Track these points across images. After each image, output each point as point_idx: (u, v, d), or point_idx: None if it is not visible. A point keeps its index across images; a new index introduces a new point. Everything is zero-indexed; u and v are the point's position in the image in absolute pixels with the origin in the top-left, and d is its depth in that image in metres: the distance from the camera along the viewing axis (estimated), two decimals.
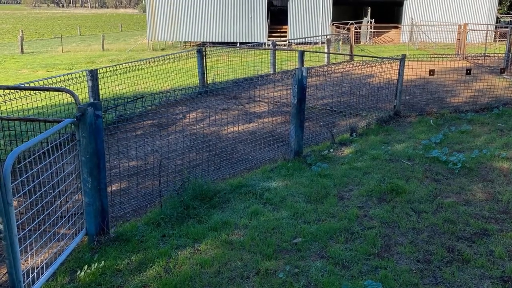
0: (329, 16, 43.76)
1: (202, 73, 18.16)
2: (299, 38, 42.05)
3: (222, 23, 44.56)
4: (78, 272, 5.88)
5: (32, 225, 5.86)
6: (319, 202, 7.92)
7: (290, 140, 10.31)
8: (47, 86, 11.16)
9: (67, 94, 9.37)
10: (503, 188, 8.40)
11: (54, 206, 6.42)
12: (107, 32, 70.25)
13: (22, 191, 5.65)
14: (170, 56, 17.35)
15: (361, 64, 14.25)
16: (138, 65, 15.70)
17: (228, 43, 41.19)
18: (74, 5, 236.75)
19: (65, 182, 6.40)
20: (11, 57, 40.69)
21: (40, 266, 5.62)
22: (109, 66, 14.65)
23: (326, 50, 27.54)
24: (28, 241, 5.52)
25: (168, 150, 10.85)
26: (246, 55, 23.90)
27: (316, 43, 43.16)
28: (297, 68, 9.97)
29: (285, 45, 41.95)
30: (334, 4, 44.15)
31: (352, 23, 37.46)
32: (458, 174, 9.08)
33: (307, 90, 10.29)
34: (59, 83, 12.15)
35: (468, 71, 14.36)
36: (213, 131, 12.65)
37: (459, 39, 31.23)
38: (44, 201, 6.36)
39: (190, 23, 44.88)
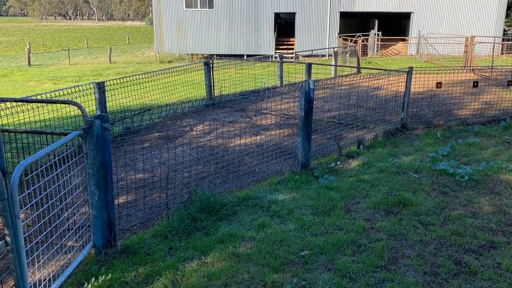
0: (336, 29, 43.83)
1: (209, 86, 18.20)
2: (306, 51, 42.13)
3: (229, 35, 44.69)
4: (85, 285, 5.89)
5: (39, 237, 5.88)
6: (326, 215, 7.92)
7: (297, 152, 10.32)
8: (54, 98, 11.18)
9: (74, 107, 9.41)
10: (510, 200, 8.37)
11: (61, 218, 6.44)
12: (114, 45, 70.48)
13: (29, 203, 5.66)
14: (177, 69, 17.39)
15: (368, 77, 14.26)
16: (145, 78, 15.72)
17: (235, 56, 41.26)
18: (81, 17, 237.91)
19: (72, 195, 6.42)
20: (18, 69, 40.83)
21: (47, 279, 5.63)
22: (116, 79, 14.67)
23: (333, 63, 27.53)
24: (35, 254, 5.53)
25: (175, 163, 10.87)
26: (253, 67, 23.92)
27: (323, 55, 43.21)
28: (304, 81, 9.98)
29: (292, 58, 42.00)
30: (341, 16, 44.24)
31: (359, 36, 37.49)
32: (465, 186, 9.07)
33: (314, 102, 10.30)
34: (66, 96, 12.18)
35: (475, 84, 14.35)
36: (220, 143, 12.66)
37: (466, 51, 31.23)
38: (51, 214, 6.37)
39: (197, 36, 45.02)
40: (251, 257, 6.52)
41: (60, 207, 6.25)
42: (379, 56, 42.36)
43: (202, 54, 46.18)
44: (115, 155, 8.95)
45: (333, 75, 25.30)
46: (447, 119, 14.53)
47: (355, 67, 27.89)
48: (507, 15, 46.44)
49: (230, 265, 6.33)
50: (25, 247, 4.96)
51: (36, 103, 10.83)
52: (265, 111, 16.31)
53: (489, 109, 15.25)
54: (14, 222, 4.67)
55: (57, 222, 6.26)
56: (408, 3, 43.32)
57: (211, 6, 44.41)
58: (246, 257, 6.54)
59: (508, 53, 33.27)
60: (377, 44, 43.49)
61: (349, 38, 37.14)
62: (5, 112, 9.91)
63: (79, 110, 9.20)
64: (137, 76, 15.43)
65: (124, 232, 7.75)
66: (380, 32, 43.86)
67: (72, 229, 6.57)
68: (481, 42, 31.31)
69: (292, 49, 44.70)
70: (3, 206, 4.54)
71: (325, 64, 25.88)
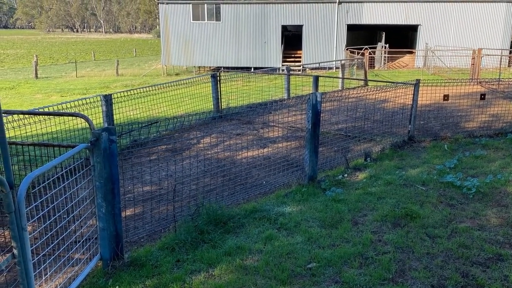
0: (343, 41, 43.90)
1: (217, 98, 18.24)
2: (313, 63, 42.20)
3: (236, 48, 44.81)
4: None
5: (46, 250, 5.89)
6: (334, 227, 7.92)
7: (305, 165, 10.33)
8: (61, 111, 11.21)
9: (82, 119, 9.43)
10: None
11: (69, 231, 6.44)
12: (121, 57, 70.66)
13: (37, 216, 5.68)
14: (184, 81, 17.42)
15: (375, 89, 14.26)
16: (153, 90, 15.75)
17: (242, 68, 41.34)
18: (88, 30, 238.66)
19: (79, 207, 6.43)
20: (25, 82, 40.98)
21: None
22: (123, 91, 14.70)
23: (340, 75, 27.55)
24: (42, 266, 5.54)
25: (183, 175, 10.89)
26: (261, 80, 23.97)
27: (330, 68, 43.24)
28: (312, 93, 10.01)
29: (299, 70, 42.05)
30: (348, 29, 44.31)
31: (366, 48, 37.51)
32: (473, 199, 9.05)
33: (321, 115, 10.32)
34: (74, 108, 12.22)
35: (483, 96, 14.35)
36: (228, 156, 12.67)
37: (474, 64, 31.19)
38: (59, 226, 6.39)
39: (204, 48, 45.16)
40: (258, 270, 6.52)
41: (67, 219, 6.26)
42: (386, 69, 42.37)
43: (209, 67, 46.30)
44: (122, 168, 8.99)
45: (340, 88, 25.32)
46: (454, 132, 14.52)
47: (362, 80, 27.89)
48: None
49: (237, 278, 6.34)
50: (32, 260, 4.97)
51: (43, 116, 10.86)
52: (272, 124, 16.34)
53: (496, 122, 15.23)
54: (21, 235, 4.69)
55: (64, 234, 6.28)
56: (415, 16, 43.37)
57: (218, 18, 44.56)
58: (253, 269, 6.55)
59: None
60: (384, 57, 43.50)
61: (356, 50, 37.16)
62: (12, 124, 9.93)
63: (86, 123, 9.22)
64: (144, 89, 15.47)
65: (131, 245, 7.76)
66: (387, 45, 43.89)
67: (79, 241, 6.58)
68: (488, 55, 31.30)
69: (299, 61, 44.78)
70: (10, 219, 4.56)
71: (332, 77, 25.92)
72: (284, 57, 45.49)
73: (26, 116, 10.20)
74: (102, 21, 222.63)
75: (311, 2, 43.73)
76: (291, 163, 11.51)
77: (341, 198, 9.18)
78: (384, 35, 45.07)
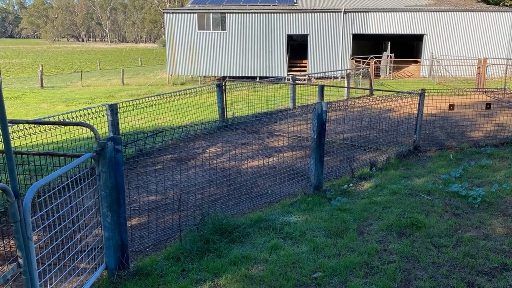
0: (348, 51, 43.97)
1: (222, 108, 18.26)
2: (319, 73, 42.25)
3: (241, 57, 44.91)
4: None
5: (51, 259, 5.90)
6: (339, 237, 7.91)
7: (310, 174, 10.33)
8: (66, 120, 11.26)
9: (87, 129, 9.45)
10: None
11: (74, 240, 6.45)
12: (126, 67, 70.87)
13: (42, 225, 5.69)
14: (190, 91, 17.45)
15: (380, 99, 14.27)
16: (158, 100, 15.78)
17: (247, 78, 41.43)
18: (93, 39, 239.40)
19: (84, 217, 6.45)
20: (31, 91, 41.10)
21: None
22: (128, 101, 14.71)
23: (346, 85, 27.59)
24: (48, 276, 5.55)
25: (188, 185, 10.90)
26: (266, 89, 24.00)
27: (336, 77, 43.31)
28: (317, 103, 10.02)
29: (305, 80, 42.10)
30: (353, 38, 44.40)
31: (371, 58, 37.58)
32: (478, 208, 9.03)
33: (327, 124, 10.33)
34: (79, 118, 12.25)
35: (488, 106, 14.35)
36: (233, 165, 12.68)
37: (479, 73, 31.20)
38: (64, 236, 6.40)
39: (209, 58, 45.29)
40: (264, 279, 6.52)
41: (72, 229, 6.27)
42: (391, 78, 42.39)
43: (215, 76, 46.42)
44: (127, 177, 9.00)
45: (345, 97, 25.35)
46: (459, 141, 14.51)
47: (367, 89, 27.93)
48: None
49: (242, 287, 6.34)
50: (38, 269, 4.98)
51: (49, 125, 10.89)
52: (277, 133, 16.35)
53: (501, 131, 15.21)
54: (26, 244, 4.70)
55: (69, 244, 6.28)
56: (421, 25, 43.43)
57: (223, 28, 44.68)
58: (259, 279, 6.54)
59: None
60: (390, 66, 43.54)
61: (361, 60, 37.21)
62: (18, 134, 9.97)
63: (91, 132, 9.24)
64: (150, 98, 15.50)
65: (137, 254, 7.76)
66: (393, 54, 43.95)
67: (84, 251, 6.59)
68: (494, 64, 31.27)
69: (305, 71, 44.84)
70: (15, 228, 4.58)
71: (337, 86, 25.97)
72: (289, 66, 45.58)
73: (32, 125, 10.24)
74: (107, 31, 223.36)
75: (316, 12, 43.84)
76: (297, 172, 11.51)
77: (346, 208, 9.18)
78: (389, 44, 45.14)
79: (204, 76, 47.21)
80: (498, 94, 23.48)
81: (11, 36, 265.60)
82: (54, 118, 11.78)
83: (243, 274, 6.68)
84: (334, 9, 43.89)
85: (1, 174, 9.38)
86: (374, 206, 9.24)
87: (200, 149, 14.64)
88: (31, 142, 10.51)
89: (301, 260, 7.05)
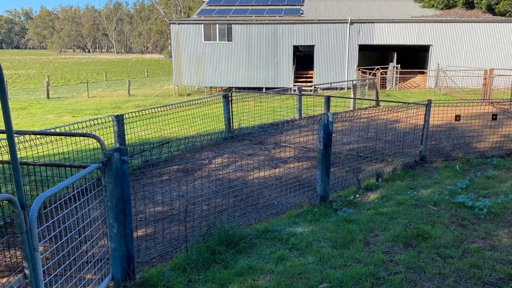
0: (355, 62, 44.01)
1: (228, 119, 18.29)
2: (325, 84, 42.30)
3: (248, 68, 44.98)
4: None
5: (58, 270, 5.90)
6: (345, 248, 7.91)
7: (316, 185, 10.33)
8: (73, 131, 11.29)
9: (93, 140, 9.48)
10: None
11: (80, 251, 6.46)
12: (133, 78, 71.06)
13: (48, 236, 5.70)
14: (196, 101, 17.49)
15: (387, 110, 14.27)
16: (164, 111, 15.81)
17: (254, 89, 41.49)
18: (100, 50, 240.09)
19: (91, 228, 6.46)
20: (37, 102, 41.23)
21: None
22: (135, 112, 14.76)
23: (352, 96, 27.61)
24: (54, 287, 5.56)
25: (194, 196, 10.91)
26: (272, 100, 24.04)
27: (342, 88, 43.34)
28: (323, 114, 10.03)
29: (311, 91, 42.13)
30: (360, 49, 44.45)
31: (378, 69, 37.60)
32: (484, 219, 9.02)
33: (333, 135, 10.33)
34: (85, 129, 12.29)
35: (494, 117, 14.34)
36: (239, 176, 12.69)
37: (485, 84, 31.18)
38: (70, 247, 6.41)
39: (215, 68, 45.38)
40: None
41: (78, 239, 6.28)
42: (397, 89, 42.38)
43: (221, 87, 46.49)
44: (134, 188, 9.02)
45: (352, 108, 25.35)
46: (466, 152, 14.49)
47: (373, 100, 27.92)
48: None
49: None
50: (44, 280, 4.99)
51: (55, 136, 10.92)
52: (284, 144, 16.36)
53: (508, 142, 15.19)
54: (32, 255, 4.71)
55: (75, 255, 6.29)
56: (427, 36, 43.47)
57: (230, 39, 44.78)
58: None
59: None
60: (396, 77, 43.55)
61: (367, 70, 37.22)
62: (24, 145, 10.01)
63: (98, 143, 9.27)
64: (156, 109, 15.53)
65: (143, 265, 7.77)
66: (399, 65, 43.96)
67: (90, 262, 6.59)
68: (500, 75, 31.26)
69: (311, 81, 44.89)
70: (22, 239, 4.59)
71: (344, 97, 25.95)
72: (295, 77, 45.65)
73: (38, 136, 10.26)
74: (113, 42, 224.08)
75: (322, 22, 43.93)
76: (303, 183, 11.51)
77: (352, 219, 9.17)
78: (395, 55, 45.14)
79: (210, 87, 47.28)
80: (505, 105, 23.44)
81: (17, 47, 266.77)
82: (60, 129, 11.80)
83: (250, 285, 6.68)
84: (341, 20, 43.99)
85: (8, 185, 9.40)
86: (380, 217, 9.23)
87: (206, 160, 14.66)
88: (37, 153, 10.54)
89: (307, 271, 7.04)
